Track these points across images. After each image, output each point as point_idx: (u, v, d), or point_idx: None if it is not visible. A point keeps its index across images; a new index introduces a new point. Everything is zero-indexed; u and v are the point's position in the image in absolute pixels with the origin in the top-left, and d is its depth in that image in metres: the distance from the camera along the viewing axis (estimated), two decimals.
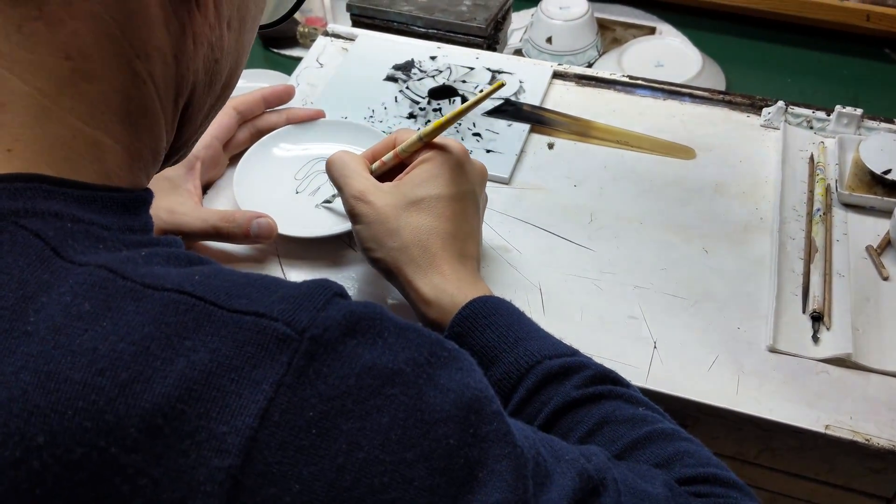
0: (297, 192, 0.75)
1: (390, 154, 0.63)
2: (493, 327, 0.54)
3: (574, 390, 0.50)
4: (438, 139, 0.61)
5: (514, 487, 0.36)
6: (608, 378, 0.52)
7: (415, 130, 0.63)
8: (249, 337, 0.34)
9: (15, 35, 0.36)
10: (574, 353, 0.53)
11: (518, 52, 1.17)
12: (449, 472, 0.34)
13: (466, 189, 0.61)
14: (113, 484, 0.32)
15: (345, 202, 0.61)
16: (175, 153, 0.47)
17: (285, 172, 0.77)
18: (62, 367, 0.32)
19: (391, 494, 0.33)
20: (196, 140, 0.49)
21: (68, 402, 0.32)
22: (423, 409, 0.35)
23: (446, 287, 0.57)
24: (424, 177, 0.60)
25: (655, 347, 0.64)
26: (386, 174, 0.63)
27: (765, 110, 0.82)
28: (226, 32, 0.44)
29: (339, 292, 0.37)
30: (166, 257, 0.38)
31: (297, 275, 0.70)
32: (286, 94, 0.81)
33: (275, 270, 0.71)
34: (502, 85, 0.60)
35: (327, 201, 0.74)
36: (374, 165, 0.64)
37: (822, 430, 0.59)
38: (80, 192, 0.37)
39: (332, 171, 0.62)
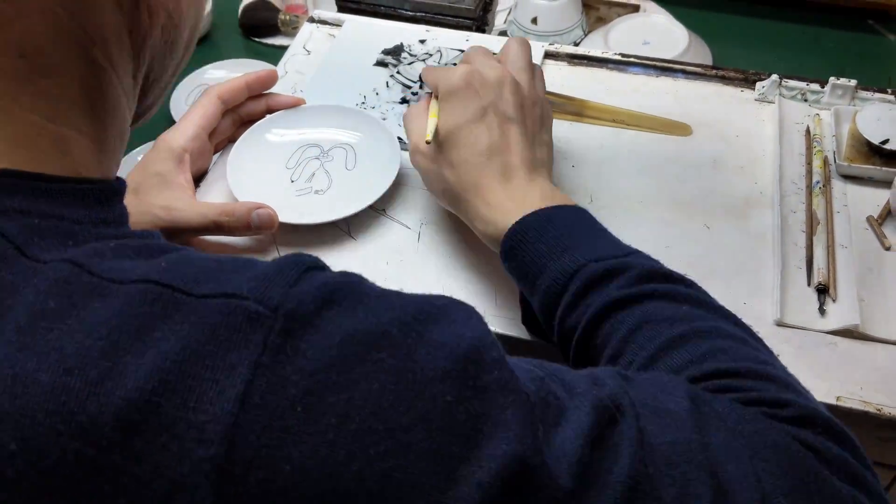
0: (291, 181, 0.74)
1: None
2: (544, 239, 0.54)
3: (616, 291, 0.49)
4: (432, 83, 0.65)
5: (521, 436, 0.34)
6: (657, 275, 0.51)
7: None
8: (220, 320, 0.32)
9: None
10: (627, 253, 0.53)
11: (503, 34, 1.16)
12: (450, 431, 0.33)
13: (474, 108, 0.61)
14: (94, 486, 0.30)
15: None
16: (140, 117, 0.46)
17: (278, 160, 0.75)
18: (28, 369, 0.31)
19: (390, 462, 0.32)
20: (162, 101, 0.47)
21: (38, 405, 0.30)
22: (415, 369, 0.33)
23: (493, 216, 0.58)
24: (437, 125, 0.62)
25: None
26: None
27: (759, 84, 0.82)
28: None
29: (314, 265, 0.36)
30: (137, 249, 0.36)
31: None
32: (269, 80, 0.79)
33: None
34: None
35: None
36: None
37: (833, 401, 0.59)
38: (49, 186, 0.36)
39: (404, 124, 0.67)
